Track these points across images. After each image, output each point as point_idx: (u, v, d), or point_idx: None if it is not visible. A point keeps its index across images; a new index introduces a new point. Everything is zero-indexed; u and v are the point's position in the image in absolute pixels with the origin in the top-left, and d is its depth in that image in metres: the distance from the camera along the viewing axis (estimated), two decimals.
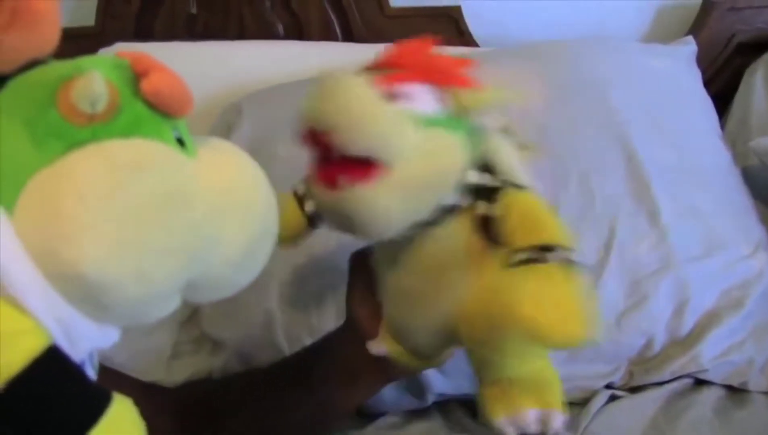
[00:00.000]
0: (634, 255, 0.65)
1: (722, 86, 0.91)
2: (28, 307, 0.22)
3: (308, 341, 0.62)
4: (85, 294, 0.22)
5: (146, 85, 0.24)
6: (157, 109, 0.25)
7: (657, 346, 0.63)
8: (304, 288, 0.65)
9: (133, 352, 0.67)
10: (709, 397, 0.61)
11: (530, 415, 0.41)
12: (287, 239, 0.50)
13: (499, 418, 0.42)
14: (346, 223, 0.38)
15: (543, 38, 0.93)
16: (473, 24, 0.92)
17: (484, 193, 0.41)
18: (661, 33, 0.96)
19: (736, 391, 0.62)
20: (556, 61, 0.78)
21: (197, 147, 0.27)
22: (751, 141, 0.76)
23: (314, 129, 0.36)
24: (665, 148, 0.73)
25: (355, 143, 0.35)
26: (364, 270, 0.50)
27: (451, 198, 0.40)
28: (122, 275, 0.22)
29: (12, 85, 0.23)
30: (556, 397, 0.43)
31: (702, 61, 0.88)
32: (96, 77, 0.23)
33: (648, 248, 0.66)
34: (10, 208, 0.22)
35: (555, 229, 0.37)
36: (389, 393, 0.62)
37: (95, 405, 0.23)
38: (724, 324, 0.63)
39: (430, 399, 0.64)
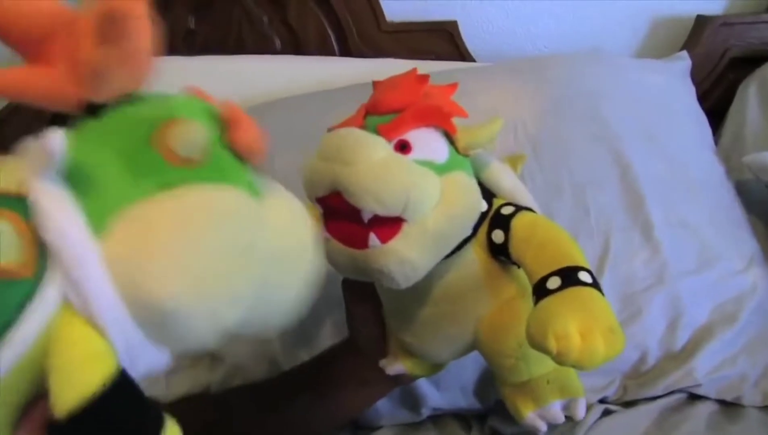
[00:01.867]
0: (628, 269, 0.66)
1: (716, 101, 0.92)
2: (105, 329, 0.23)
3: (305, 355, 0.62)
4: (160, 323, 0.23)
5: (240, 138, 0.26)
6: (240, 156, 0.26)
7: (651, 361, 0.63)
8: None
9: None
10: (703, 411, 0.61)
11: (556, 406, 0.45)
12: None
13: (528, 414, 0.44)
14: (370, 276, 0.38)
15: (538, 53, 0.94)
16: (469, 39, 0.93)
17: (497, 219, 0.41)
18: (655, 48, 0.97)
19: (729, 406, 0.62)
20: (551, 76, 0.79)
21: (262, 190, 0.28)
22: (745, 155, 0.76)
23: (337, 193, 0.36)
24: (659, 162, 0.73)
25: (387, 207, 0.35)
26: (359, 292, 0.51)
27: (468, 231, 0.41)
28: (198, 312, 0.24)
29: (112, 118, 0.24)
30: (577, 385, 0.46)
31: (696, 75, 0.89)
32: (198, 129, 0.25)
33: (642, 262, 0.66)
34: (99, 232, 0.23)
35: (576, 251, 0.37)
36: (384, 406, 0.62)
37: (154, 429, 0.24)
38: (718, 338, 0.63)
39: (425, 413, 0.64)
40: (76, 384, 0.22)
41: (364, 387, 0.55)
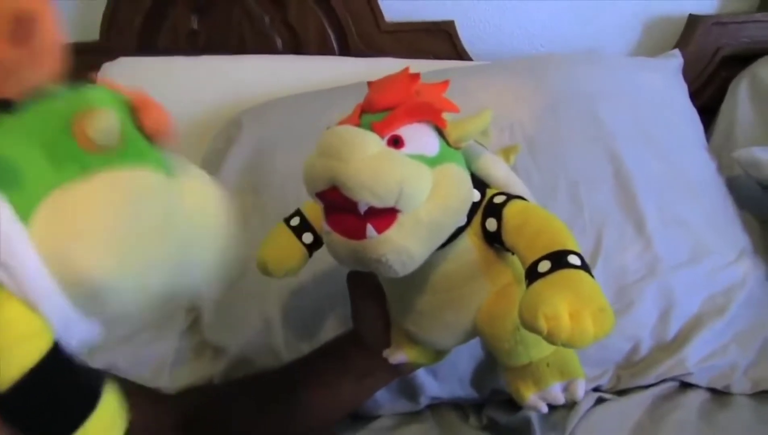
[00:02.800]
0: (620, 262, 0.67)
1: (708, 99, 0.94)
2: (40, 308, 0.24)
3: (307, 347, 0.64)
4: (90, 296, 0.25)
5: (148, 122, 0.28)
6: (152, 139, 0.28)
7: (643, 351, 0.65)
8: (302, 295, 0.67)
9: (136, 360, 0.69)
10: (694, 400, 0.62)
11: (556, 388, 0.47)
12: (290, 270, 0.52)
13: (530, 396, 0.47)
14: (369, 266, 0.40)
15: (534, 52, 0.96)
16: (466, 38, 0.95)
17: (490, 208, 0.43)
18: (648, 47, 0.98)
19: (720, 394, 0.64)
20: (546, 75, 0.81)
21: (174, 169, 0.30)
22: (736, 151, 0.78)
23: (334, 188, 0.37)
24: (652, 159, 0.75)
25: (381, 199, 0.37)
26: (364, 287, 0.53)
27: (461, 221, 0.42)
28: (125, 283, 0.25)
29: (27, 113, 0.26)
30: (576, 367, 0.48)
31: (688, 74, 0.90)
32: (112, 116, 0.26)
33: (634, 255, 0.68)
34: (26, 219, 0.25)
35: (566, 235, 0.39)
36: (383, 396, 0.64)
37: (87, 401, 0.26)
38: (709, 329, 0.65)
39: (424, 402, 0.65)
40: (14, 360, 0.24)
41: (366, 378, 0.56)
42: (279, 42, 0.95)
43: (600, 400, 0.63)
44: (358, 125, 0.41)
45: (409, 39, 0.94)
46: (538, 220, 0.41)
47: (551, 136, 0.74)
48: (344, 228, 0.39)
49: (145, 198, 0.26)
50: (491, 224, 0.43)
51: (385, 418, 0.66)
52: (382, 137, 0.39)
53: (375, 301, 0.53)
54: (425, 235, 0.39)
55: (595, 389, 0.65)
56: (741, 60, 0.92)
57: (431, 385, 0.64)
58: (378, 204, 0.37)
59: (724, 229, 0.73)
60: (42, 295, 0.24)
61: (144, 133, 0.28)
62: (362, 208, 0.37)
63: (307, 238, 0.51)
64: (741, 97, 0.88)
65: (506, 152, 0.51)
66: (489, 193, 0.45)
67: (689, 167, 0.77)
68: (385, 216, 0.38)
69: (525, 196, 0.45)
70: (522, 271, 0.39)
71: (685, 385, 0.65)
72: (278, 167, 0.74)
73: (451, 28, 0.94)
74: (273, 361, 0.66)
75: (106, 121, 0.26)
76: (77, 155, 0.26)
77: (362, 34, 0.95)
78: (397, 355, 0.52)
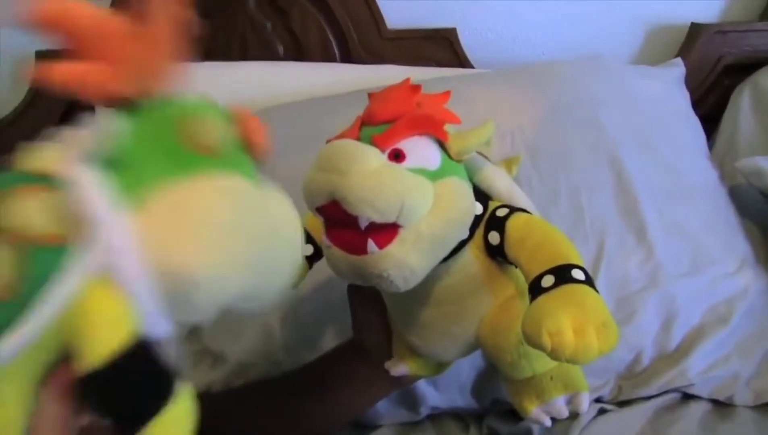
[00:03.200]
0: (622, 271, 0.67)
1: (710, 107, 0.93)
2: (132, 296, 0.25)
3: (307, 355, 0.64)
4: (184, 291, 0.25)
5: (248, 133, 0.30)
6: (248, 150, 0.30)
7: (645, 361, 0.64)
8: (302, 303, 0.67)
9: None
10: (696, 411, 0.62)
11: (560, 401, 0.46)
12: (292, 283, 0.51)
13: (533, 409, 0.47)
14: (371, 281, 0.39)
15: (536, 59, 0.96)
16: (468, 45, 0.95)
17: (492, 221, 0.43)
18: (650, 55, 0.98)
19: (722, 405, 0.63)
20: (548, 82, 0.80)
21: (260, 180, 0.31)
22: (738, 161, 0.78)
23: (335, 202, 0.37)
24: (654, 167, 0.75)
25: (382, 214, 0.36)
26: (365, 297, 0.52)
27: (464, 234, 0.42)
28: (218, 280, 0.26)
29: (143, 113, 0.28)
30: (580, 380, 0.47)
31: (690, 82, 0.90)
32: (217, 122, 0.28)
33: (636, 264, 0.67)
34: (132, 206, 0.26)
35: (570, 249, 0.39)
36: (383, 406, 0.63)
37: (165, 394, 0.26)
38: (711, 339, 0.64)
39: (424, 412, 0.65)
40: (102, 342, 0.25)
41: (367, 388, 0.56)
42: (281, 49, 0.95)
43: (601, 411, 0.63)
44: (358, 138, 0.40)
45: (411, 46, 0.94)
46: (541, 233, 0.40)
47: (552, 142, 0.74)
48: (345, 243, 0.39)
49: (241, 202, 0.28)
50: (494, 238, 0.43)
51: (385, 428, 0.65)
52: (383, 151, 0.39)
53: (376, 312, 0.53)
54: (427, 250, 0.39)
55: (597, 400, 0.64)
56: (743, 69, 0.92)
57: (432, 395, 0.64)
58: (379, 219, 0.37)
59: (725, 238, 0.73)
60: (136, 284, 0.25)
61: (243, 144, 0.29)
62: (363, 223, 0.37)
63: (307, 250, 0.51)
64: (743, 105, 0.88)
65: (508, 163, 0.51)
66: (491, 205, 0.45)
67: (691, 175, 0.77)
68: (387, 231, 0.38)
69: (528, 209, 0.45)
70: (525, 284, 0.39)
71: (687, 396, 0.64)
72: (278, 175, 0.73)
73: (453, 35, 0.94)
74: (273, 368, 0.65)
75: (213, 127, 0.28)
76: (185, 155, 0.27)
77: (364, 41, 0.95)
78: (399, 367, 0.52)
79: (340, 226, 0.39)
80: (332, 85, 0.87)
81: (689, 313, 0.66)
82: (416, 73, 0.85)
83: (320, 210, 0.39)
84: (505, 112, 0.76)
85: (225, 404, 0.59)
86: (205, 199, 0.27)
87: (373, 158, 0.37)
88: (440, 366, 0.54)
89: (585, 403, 0.46)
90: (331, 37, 0.95)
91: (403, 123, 0.40)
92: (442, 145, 0.42)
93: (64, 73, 0.25)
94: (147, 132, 0.27)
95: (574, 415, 0.61)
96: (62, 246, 0.24)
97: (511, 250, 0.41)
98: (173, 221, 0.26)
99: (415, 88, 0.43)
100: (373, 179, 0.36)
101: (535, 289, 0.37)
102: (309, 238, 0.51)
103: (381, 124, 0.41)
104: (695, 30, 0.94)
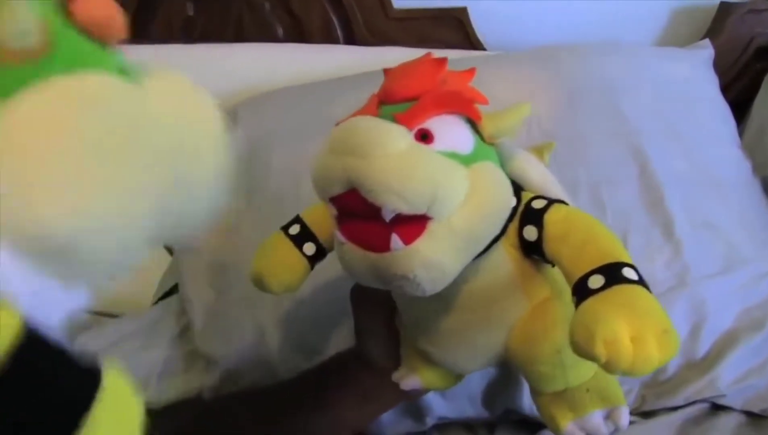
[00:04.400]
0: (647, 271, 0.60)
1: (740, 92, 0.87)
2: (5, 286, 0.20)
3: (303, 361, 0.60)
4: (60, 256, 0.20)
5: (78, 10, 0.22)
6: (93, 37, 0.22)
7: (671, 369, 0.60)
8: (299, 304, 0.63)
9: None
10: (728, 423, 0.57)
11: (597, 416, 0.41)
12: (289, 285, 0.46)
13: (567, 426, 0.42)
14: (392, 282, 0.34)
15: (552, 41, 0.90)
16: (480, 26, 0.89)
17: (528, 214, 0.38)
18: (676, 36, 0.92)
19: (756, 418, 0.58)
20: (565, 66, 0.75)
21: (140, 76, 0.24)
22: None
23: (353, 191, 0.32)
24: (680, 158, 0.70)
25: (411, 204, 0.31)
26: (370, 303, 0.48)
27: (498, 229, 0.37)
28: (95, 223, 0.20)
29: None
30: (617, 393, 0.42)
31: (719, 65, 0.84)
32: (20, 7, 0.20)
33: (662, 264, 0.63)
34: None
35: (617, 245, 0.34)
36: (387, 416, 0.59)
37: (86, 384, 0.21)
38: (744, 345, 0.59)
39: (430, 422, 0.61)
40: None
41: (370, 400, 0.51)
42: (280, 30, 0.90)
43: None
44: (377, 117, 0.35)
45: (419, 27, 0.89)
46: (585, 227, 0.35)
47: (570, 131, 0.69)
48: (363, 238, 0.34)
49: (92, 107, 0.21)
50: (530, 233, 0.37)
51: None
52: (409, 131, 0.34)
53: (383, 318, 0.48)
54: (460, 247, 0.34)
55: None
56: None
57: (439, 405, 0.59)
58: (407, 210, 0.31)
59: (760, 234, 0.68)
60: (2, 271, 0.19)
61: (80, 28, 0.22)
62: (388, 215, 0.32)
63: (309, 248, 0.45)
64: None
65: (539, 151, 0.45)
66: (525, 196, 0.39)
67: (721, 166, 0.72)
68: (414, 224, 0.32)
69: (565, 200, 0.39)
70: (562, 284, 0.34)
71: (718, 408, 0.59)
72: (275, 165, 0.69)
73: (464, 15, 0.88)
74: (266, 374, 0.61)
75: (16, 17, 0.20)
76: None
77: (369, 21, 0.90)
78: (410, 380, 0.47)
79: (357, 218, 0.34)
80: (335, 69, 0.82)
81: (720, 317, 0.61)
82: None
83: (335, 200, 0.34)
84: (519, 97, 0.71)
85: (215, 415, 0.55)
86: (35, 126, 0.19)
87: (400, 138, 0.32)
88: (456, 378, 0.49)
89: (625, 417, 0.41)
90: (333, 17, 0.90)
91: (429, 99, 0.35)
92: (473, 126, 0.36)
93: None
94: None
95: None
96: None
97: (550, 247, 0.36)
98: (4, 168, 0.19)
99: (440, 62, 0.37)
100: (400, 163, 0.31)
101: (582, 291, 0.31)
102: (310, 235, 0.46)
103: (403, 101, 0.36)
104: (725, 9, 0.87)
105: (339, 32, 0.90)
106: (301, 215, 0.47)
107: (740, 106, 0.84)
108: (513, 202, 0.38)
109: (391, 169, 0.31)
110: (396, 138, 0.32)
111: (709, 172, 0.70)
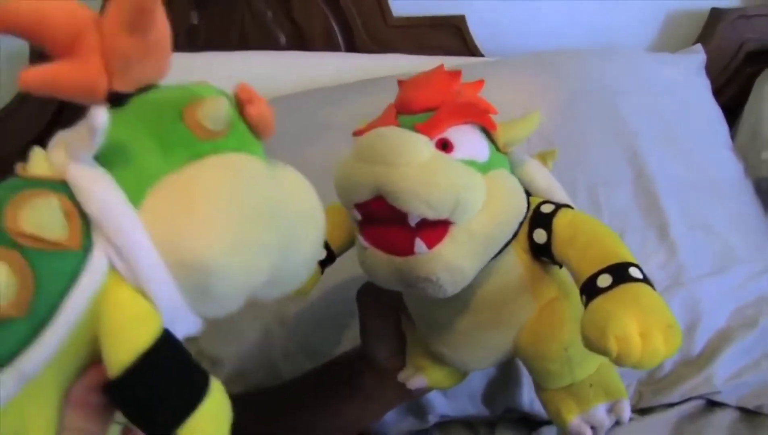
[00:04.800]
0: None
1: (731, 96, 0.89)
2: (150, 292, 0.24)
3: (305, 361, 0.61)
4: (200, 281, 0.25)
5: (254, 111, 0.28)
6: (254, 131, 0.29)
7: (667, 366, 0.61)
8: (302, 308, 0.63)
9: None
10: (723, 420, 0.58)
11: (601, 409, 0.43)
12: (301, 290, 0.45)
13: (573, 420, 0.43)
14: (415, 285, 0.36)
15: (548, 47, 0.92)
16: (477, 33, 0.91)
17: (537, 218, 0.40)
18: (669, 41, 0.94)
19: (751, 414, 0.59)
20: (562, 71, 0.77)
21: (273, 164, 0.30)
22: (764, 152, 0.74)
23: (379, 198, 0.34)
24: (675, 160, 0.71)
25: (436, 210, 0.33)
26: (377, 306, 0.48)
27: (512, 233, 0.39)
28: (235, 267, 0.25)
29: (137, 103, 0.26)
30: (620, 386, 0.44)
31: (711, 70, 0.86)
32: (223, 102, 0.27)
33: (658, 264, 0.64)
34: (137, 204, 0.25)
35: (622, 246, 0.36)
36: (390, 415, 0.60)
37: (200, 386, 0.26)
38: (738, 343, 0.61)
39: (432, 420, 0.62)
40: (126, 343, 0.24)
41: (374, 400, 0.52)
42: (282, 38, 0.92)
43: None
44: (386, 122, 0.37)
45: (418, 34, 0.90)
46: (591, 230, 0.37)
47: (568, 134, 0.70)
48: (388, 243, 0.35)
49: (253, 181, 0.27)
50: (540, 236, 0.39)
51: None
52: (430, 140, 0.35)
53: (389, 322, 0.49)
54: (478, 251, 0.36)
55: None
56: (766, 55, 0.88)
57: (441, 403, 0.60)
58: (431, 215, 0.33)
59: (752, 235, 0.69)
60: (153, 279, 0.24)
61: (248, 124, 0.28)
62: (413, 221, 0.34)
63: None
64: (767, 94, 0.84)
65: (543, 157, 0.47)
66: (533, 201, 0.41)
67: (714, 168, 0.74)
68: (437, 229, 0.34)
69: (570, 204, 0.41)
70: (568, 284, 0.36)
71: (713, 404, 0.61)
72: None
73: (462, 22, 0.90)
74: (270, 375, 0.62)
75: (217, 107, 0.26)
76: (188, 141, 0.26)
77: (369, 29, 0.91)
78: (417, 379, 0.48)
79: (380, 224, 0.35)
80: (337, 76, 0.84)
81: (714, 315, 0.62)
82: (424, 62, 0.83)
83: (360, 206, 0.35)
84: (517, 102, 0.72)
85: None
86: (210, 180, 0.25)
87: (424, 148, 0.34)
88: (461, 376, 0.50)
89: (627, 410, 0.43)
90: (335, 25, 0.91)
91: (448, 110, 0.37)
92: (487, 136, 0.38)
93: (38, 76, 0.23)
94: (143, 121, 0.26)
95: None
96: (72, 251, 0.23)
97: (559, 249, 0.38)
98: (179, 208, 0.25)
99: (455, 74, 0.39)
100: (425, 171, 0.33)
101: (591, 290, 0.33)
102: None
103: (421, 112, 0.37)
104: (716, 15, 0.89)
105: (340, 39, 0.92)
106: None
107: (731, 110, 0.86)
108: (526, 207, 0.39)
109: (417, 177, 0.33)
110: (421, 147, 0.34)
111: (704, 174, 0.72)
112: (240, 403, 0.57)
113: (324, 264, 0.47)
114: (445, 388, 0.52)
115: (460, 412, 0.61)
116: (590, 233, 0.37)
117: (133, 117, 0.26)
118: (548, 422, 0.61)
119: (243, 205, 0.26)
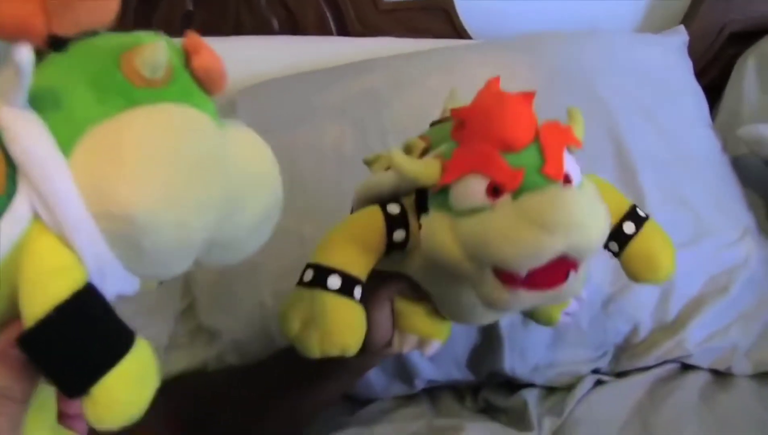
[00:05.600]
0: None
1: (714, 77, 0.91)
2: (74, 243, 0.23)
3: None
4: (129, 235, 0.24)
5: (198, 61, 0.27)
6: (202, 84, 0.28)
7: (643, 332, 0.64)
8: (295, 278, 0.66)
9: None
10: (695, 381, 0.61)
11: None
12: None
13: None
14: (552, 303, 0.46)
15: (534, 30, 0.94)
16: (466, 17, 0.93)
17: None
18: (653, 24, 0.96)
19: (721, 376, 0.63)
20: (543, 51, 0.79)
21: (222, 123, 0.29)
22: (739, 129, 0.76)
23: (564, 258, 0.34)
24: (654, 138, 0.73)
25: (596, 250, 0.36)
26: (382, 301, 0.48)
27: None
28: (166, 221, 0.24)
29: (77, 48, 0.25)
30: None
31: (693, 51, 0.88)
32: (161, 47, 0.25)
33: None
34: (67, 150, 0.24)
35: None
36: (378, 380, 0.63)
37: (121, 344, 0.25)
38: (710, 310, 0.64)
39: (419, 386, 0.65)
40: (44, 293, 0.23)
41: (356, 376, 0.55)
42: (275, 22, 0.94)
43: (599, 383, 0.63)
44: (508, 168, 0.36)
45: (407, 18, 0.92)
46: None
47: (549, 113, 0.71)
48: (547, 281, 0.35)
49: (191, 133, 0.25)
50: None
51: (381, 401, 0.65)
52: (559, 180, 0.36)
53: (390, 312, 0.49)
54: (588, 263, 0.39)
55: (594, 371, 0.64)
56: (748, 36, 0.89)
57: (427, 368, 0.63)
58: (593, 255, 0.36)
59: (727, 207, 0.72)
60: (77, 229, 0.23)
61: (194, 75, 0.27)
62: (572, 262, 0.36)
63: (358, 292, 0.42)
64: (748, 74, 0.86)
65: None
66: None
67: (692, 145, 0.76)
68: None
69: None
70: None
71: (686, 367, 0.64)
72: (272, 148, 0.72)
73: (449, 5, 0.92)
74: (267, 345, 0.65)
75: (154, 54, 0.25)
76: (124, 89, 0.25)
77: (360, 14, 0.93)
78: (432, 345, 0.49)
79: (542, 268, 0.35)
80: (329, 59, 0.85)
81: (688, 283, 0.65)
82: (412, 45, 0.85)
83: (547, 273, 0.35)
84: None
85: (221, 387, 0.59)
86: (142, 128, 0.24)
87: (599, 204, 0.36)
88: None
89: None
90: (327, 10, 0.93)
91: (553, 142, 0.37)
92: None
93: None
94: (79, 67, 0.25)
95: (568, 386, 0.62)
96: None
97: None
98: (108, 157, 0.23)
99: (529, 96, 0.38)
100: (601, 221, 0.36)
101: (622, 236, 0.43)
102: (355, 281, 0.42)
103: (523, 148, 0.36)
104: None
105: (332, 24, 0.94)
106: (329, 264, 0.42)
107: (714, 90, 0.88)
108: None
109: (602, 230, 0.36)
110: (600, 207, 0.36)
111: (681, 150, 0.74)
112: (233, 377, 0.59)
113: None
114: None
115: (446, 377, 0.64)
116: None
117: (71, 62, 0.25)
118: (530, 385, 0.64)
119: (178, 158, 0.24)
